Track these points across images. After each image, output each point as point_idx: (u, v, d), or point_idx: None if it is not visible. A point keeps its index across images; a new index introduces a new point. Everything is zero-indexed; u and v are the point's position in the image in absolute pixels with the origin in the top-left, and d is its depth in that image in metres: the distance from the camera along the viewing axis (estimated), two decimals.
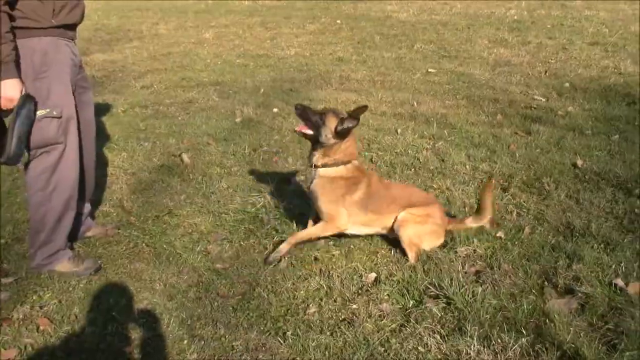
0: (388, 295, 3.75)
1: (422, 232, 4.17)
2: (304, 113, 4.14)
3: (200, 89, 8.98)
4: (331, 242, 4.38)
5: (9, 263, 4.22)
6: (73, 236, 4.34)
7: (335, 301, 3.72)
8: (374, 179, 4.34)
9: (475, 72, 9.53)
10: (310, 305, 3.68)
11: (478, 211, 4.39)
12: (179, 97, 8.63)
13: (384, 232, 4.34)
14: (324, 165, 4.17)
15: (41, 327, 3.51)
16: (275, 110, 7.70)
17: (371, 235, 4.42)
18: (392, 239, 4.32)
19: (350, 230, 4.29)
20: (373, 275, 3.97)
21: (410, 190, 4.54)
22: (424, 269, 3.96)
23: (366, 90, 8.58)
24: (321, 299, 3.74)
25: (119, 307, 3.72)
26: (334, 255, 4.24)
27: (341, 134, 4.09)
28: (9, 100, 3.53)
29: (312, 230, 4.29)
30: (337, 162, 4.15)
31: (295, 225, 4.61)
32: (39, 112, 3.72)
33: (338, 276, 3.95)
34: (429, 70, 9.75)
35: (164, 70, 10.49)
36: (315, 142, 4.15)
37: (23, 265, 4.17)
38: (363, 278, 3.95)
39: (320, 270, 4.05)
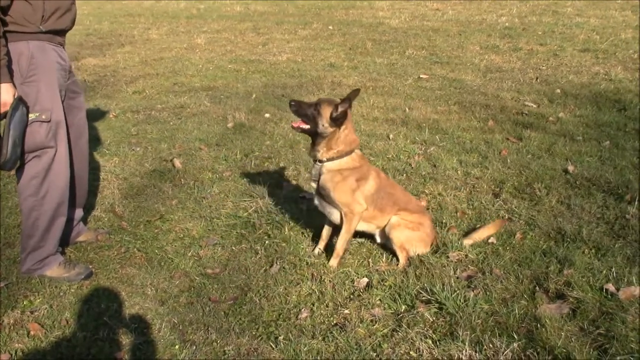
0: (380, 300, 3.76)
1: (413, 238, 4.18)
2: (299, 109, 4.12)
3: (192, 94, 8.97)
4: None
5: None
6: (64, 241, 4.33)
7: (327, 306, 3.72)
8: (382, 174, 4.37)
9: (466, 78, 9.56)
10: (302, 310, 3.68)
11: (470, 235, 4.41)
12: (170, 102, 8.62)
13: (375, 231, 4.35)
14: (330, 159, 4.12)
15: (32, 332, 3.50)
16: (267, 115, 7.70)
17: (361, 235, 4.43)
18: (381, 243, 4.36)
19: None
20: (365, 280, 3.97)
21: (409, 196, 4.55)
22: (415, 274, 3.97)
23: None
24: (313, 304, 3.74)
25: (110, 312, 3.71)
26: (325, 259, 4.24)
27: (337, 121, 4.04)
28: (1, 104, 3.53)
29: (343, 234, 4.20)
30: (341, 153, 4.11)
31: (287, 230, 4.61)
32: (29, 117, 3.71)
33: (330, 281, 3.96)
34: (421, 76, 9.77)
35: (155, 75, 10.48)
36: (314, 134, 4.12)
37: (14, 270, 4.16)
38: (355, 283, 3.95)
39: (312, 275, 4.05)
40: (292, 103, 4.15)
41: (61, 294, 3.91)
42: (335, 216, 4.23)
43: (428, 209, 4.91)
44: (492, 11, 16.21)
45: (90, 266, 4.21)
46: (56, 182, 3.93)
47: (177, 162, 6.06)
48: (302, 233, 4.61)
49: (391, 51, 11.86)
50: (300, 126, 4.12)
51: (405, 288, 3.83)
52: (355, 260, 4.24)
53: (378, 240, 4.38)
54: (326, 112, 4.02)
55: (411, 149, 6.32)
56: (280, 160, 6.10)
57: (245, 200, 5.15)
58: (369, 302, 3.73)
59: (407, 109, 7.82)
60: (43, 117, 3.76)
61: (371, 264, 4.17)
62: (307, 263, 4.20)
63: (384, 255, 4.25)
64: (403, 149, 6.33)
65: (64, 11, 3.83)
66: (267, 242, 4.50)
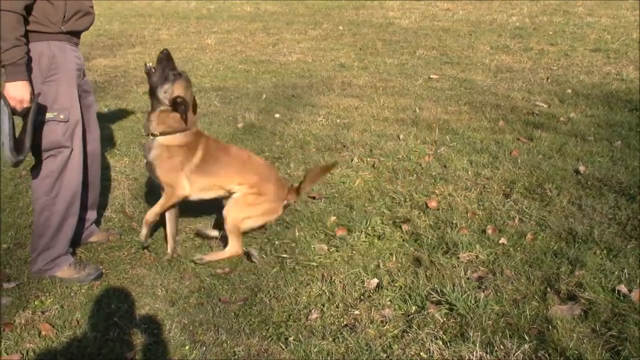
0: (390, 301, 3.75)
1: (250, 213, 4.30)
2: (165, 59, 4.09)
3: (202, 95, 8.97)
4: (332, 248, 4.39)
5: (10, 268, 4.23)
6: (75, 242, 4.34)
7: (337, 307, 3.71)
8: (212, 141, 4.39)
9: (477, 79, 9.53)
10: (312, 310, 3.68)
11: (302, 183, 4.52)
12: None
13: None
14: (162, 133, 4.14)
15: (43, 333, 3.51)
16: (277, 116, 7.71)
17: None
18: None
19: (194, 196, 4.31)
20: (375, 281, 3.96)
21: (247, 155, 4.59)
22: (426, 274, 3.96)
23: (368, 96, 8.57)
24: (323, 305, 3.74)
25: (120, 313, 3.72)
26: (335, 260, 4.25)
27: (176, 105, 4.06)
28: (19, 101, 3.55)
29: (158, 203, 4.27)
30: (173, 129, 4.13)
31: (297, 231, 4.62)
32: (46, 115, 3.75)
33: (340, 282, 3.95)
34: (431, 76, 9.75)
35: None
36: (152, 94, 4.14)
37: (25, 270, 4.17)
38: (365, 284, 3.95)
39: (322, 275, 4.05)
40: (165, 51, 4.13)
41: (72, 294, 3.92)
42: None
43: (438, 209, 4.90)
44: (503, 11, 16.14)
45: (101, 267, 4.22)
46: (69, 182, 3.95)
47: None
48: (312, 234, 4.60)
49: (401, 51, 11.84)
50: (151, 69, 4.11)
51: (416, 289, 3.82)
52: (365, 260, 4.23)
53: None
54: (178, 88, 4.07)
55: (421, 149, 6.30)
56: (290, 161, 6.10)
57: None
58: (379, 303, 3.73)
59: (417, 109, 7.80)
60: (61, 116, 3.79)
61: (381, 265, 4.16)
62: (317, 264, 4.20)
63: (394, 256, 4.25)
64: (413, 149, 6.32)
65: (83, 13, 3.86)
66: (276, 242, 4.50)
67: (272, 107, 8.16)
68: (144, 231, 4.28)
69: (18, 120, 3.64)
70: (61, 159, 3.87)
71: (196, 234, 4.69)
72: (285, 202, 4.48)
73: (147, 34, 14.94)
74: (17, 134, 3.64)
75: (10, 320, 3.64)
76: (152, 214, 4.26)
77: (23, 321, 3.63)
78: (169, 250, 4.39)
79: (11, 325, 3.59)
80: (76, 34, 3.93)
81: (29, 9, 3.57)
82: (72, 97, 3.87)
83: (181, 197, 4.21)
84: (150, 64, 4.11)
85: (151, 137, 4.13)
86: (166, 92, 4.05)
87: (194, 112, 4.24)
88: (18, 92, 3.54)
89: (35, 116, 3.65)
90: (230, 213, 4.25)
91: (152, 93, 4.12)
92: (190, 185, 4.21)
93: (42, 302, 3.85)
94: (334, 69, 10.63)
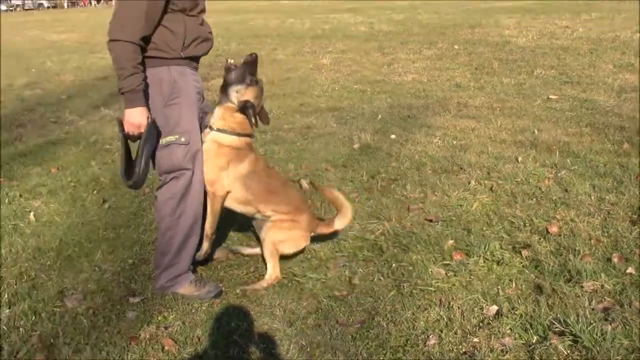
0: (510, 329, 3.65)
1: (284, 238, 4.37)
2: (251, 63, 4.14)
3: (318, 115, 9.10)
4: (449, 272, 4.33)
5: (135, 283, 4.39)
6: (198, 261, 4.45)
7: (455, 333, 3.65)
8: (262, 162, 4.44)
9: (599, 99, 9.22)
10: (430, 336, 3.62)
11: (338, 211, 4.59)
12: (297, 122, 8.79)
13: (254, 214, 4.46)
14: (219, 130, 4.17)
15: (166, 347, 3.61)
16: (393, 136, 7.70)
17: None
18: None
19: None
20: (495, 307, 3.87)
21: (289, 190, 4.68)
22: (547, 303, 3.84)
23: (485, 117, 8.45)
24: (441, 331, 3.68)
25: (240, 331, 3.77)
26: (453, 285, 4.18)
27: (244, 108, 4.09)
28: (136, 126, 3.70)
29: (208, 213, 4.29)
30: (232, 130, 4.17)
31: (414, 254, 4.58)
32: (168, 138, 3.88)
33: (458, 307, 3.89)
34: (550, 96, 9.51)
35: (282, 95, 10.71)
36: (223, 91, 4.17)
37: (148, 285, 4.32)
38: (484, 310, 3.86)
39: (440, 300, 3.99)
40: (254, 55, 4.19)
41: (193, 311, 4.02)
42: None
43: (560, 235, 4.76)
44: (626, 27, 15.61)
45: (220, 285, 4.32)
46: (192, 203, 4.07)
47: (304, 183, 6.16)
48: (429, 257, 4.55)
49: (519, 71, 11.63)
50: (231, 66, 4.15)
51: (537, 318, 3.70)
52: (484, 286, 4.15)
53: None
54: (250, 93, 4.12)
55: (541, 173, 6.14)
56: (407, 183, 6.07)
57: (372, 223, 5.15)
58: (498, 331, 3.63)
59: (536, 131, 7.62)
60: (182, 139, 3.90)
61: (500, 291, 4.08)
62: (434, 288, 4.15)
63: (514, 282, 4.15)
64: (532, 172, 6.17)
65: (202, 39, 3.97)
66: (394, 265, 4.48)
67: (387, 127, 8.17)
68: (206, 245, 4.33)
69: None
70: (184, 181, 3.99)
71: (230, 251, 4.82)
72: (313, 233, 4.57)
73: (263, 54, 15.26)
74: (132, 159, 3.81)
75: (136, 334, 3.76)
76: (208, 225, 4.30)
77: (147, 335, 3.75)
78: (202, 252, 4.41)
79: (136, 339, 3.71)
80: (195, 59, 4.05)
81: (147, 38, 3.71)
82: (193, 120, 3.99)
83: (222, 196, 4.22)
84: (232, 61, 4.18)
85: (208, 129, 4.20)
86: (238, 92, 4.11)
87: (265, 122, 4.32)
88: (136, 118, 3.70)
89: (147, 141, 3.79)
90: (269, 235, 4.34)
91: (224, 89, 4.17)
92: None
93: (165, 317, 3.96)
94: (449, 89, 10.55)
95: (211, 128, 4.17)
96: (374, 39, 16.87)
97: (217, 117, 4.18)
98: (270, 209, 4.37)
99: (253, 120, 4.11)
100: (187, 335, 3.74)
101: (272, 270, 4.35)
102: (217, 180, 4.17)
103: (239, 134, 4.19)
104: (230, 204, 4.32)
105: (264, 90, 4.32)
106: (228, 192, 4.23)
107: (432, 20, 20.82)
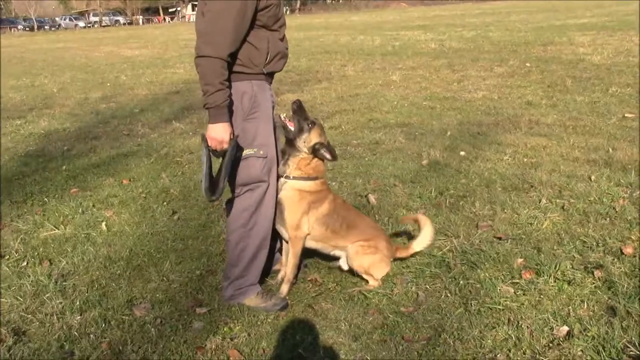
0: (582, 351, 3.55)
1: (373, 261, 4.43)
2: (298, 110, 4.19)
3: (386, 130, 9.09)
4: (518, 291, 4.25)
5: (202, 294, 4.45)
6: (264, 272, 4.48)
7: (524, 353, 3.58)
8: (339, 199, 4.54)
9: None
10: (498, 355, 3.57)
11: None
12: (365, 137, 8.80)
13: (331, 251, 4.55)
14: (296, 178, 4.24)
15: (231, 358, 3.64)
16: (462, 153, 7.64)
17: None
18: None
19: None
20: (565, 328, 3.78)
21: (363, 219, 4.76)
22: (622, 325, 3.73)
23: (557, 135, 8.30)
24: (509, 350, 3.61)
25: (304, 344, 3.77)
26: (522, 304, 4.10)
27: (315, 151, 4.19)
28: (220, 142, 3.74)
29: (290, 259, 4.38)
30: (309, 176, 4.27)
31: (482, 272, 4.51)
32: (247, 152, 3.93)
33: (527, 327, 3.81)
34: (626, 115, 9.28)
35: (351, 111, 10.75)
36: (290, 142, 4.23)
37: (215, 296, 4.37)
38: (554, 331, 3.78)
39: (509, 319, 3.92)
40: (297, 101, 4.26)
41: (258, 323, 4.05)
42: (285, 235, 4.39)
43: (634, 256, 4.63)
44: None
45: (287, 298, 4.33)
46: (265, 215, 4.12)
47: (372, 198, 6.15)
48: (498, 275, 4.48)
49: (593, 89, 11.39)
50: (287, 123, 4.21)
51: (610, 340, 3.60)
52: (555, 306, 4.06)
53: (345, 267, 4.55)
54: (314, 135, 4.18)
55: (615, 192, 5.99)
56: (476, 200, 6.00)
57: (439, 239, 5.10)
58: (569, 352, 3.54)
59: (610, 150, 7.44)
60: (261, 152, 3.96)
61: (571, 312, 3.98)
62: (502, 307, 4.08)
63: (586, 303, 4.04)
64: (606, 191, 6.02)
65: (282, 55, 4.02)
66: (461, 282, 4.43)
67: (457, 144, 8.10)
68: (285, 288, 4.39)
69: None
70: (259, 193, 4.04)
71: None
72: (393, 258, 4.63)
73: (333, 70, 15.39)
74: (214, 175, 3.86)
75: (202, 345, 3.81)
76: (290, 269, 4.39)
77: (213, 346, 3.79)
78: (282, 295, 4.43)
79: (202, 349, 3.76)
80: (273, 75, 4.12)
81: (233, 54, 3.75)
82: (270, 134, 4.04)
83: (303, 237, 4.32)
84: (284, 116, 4.26)
85: (284, 179, 4.27)
86: (305, 142, 4.20)
87: (334, 157, 4.34)
88: (219, 133, 3.73)
89: (231, 157, 3.84)
90: (354, 262, 4.43)
91: (291, 143, 4.25)
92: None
93: (230, 328, 4.00)
94: (520, 106, 10.40)
95: (287, 177, 4.27)
96: (444, 56, 16.80)
97: (293, 167, 4.27)
98: (350, 241, 4.45)
99: (329, 156, 4.25)
100: (253, 347, 3.77)
101: (373, 281, 4.47)
102: (300, 223, 4.28)
103: (316, 178, 4.31)
104: (308, 242, 4.42)
105: (323, 126, 4.40)
106: (308, 235, 4.35)
107: (504, 38, 20.60)
